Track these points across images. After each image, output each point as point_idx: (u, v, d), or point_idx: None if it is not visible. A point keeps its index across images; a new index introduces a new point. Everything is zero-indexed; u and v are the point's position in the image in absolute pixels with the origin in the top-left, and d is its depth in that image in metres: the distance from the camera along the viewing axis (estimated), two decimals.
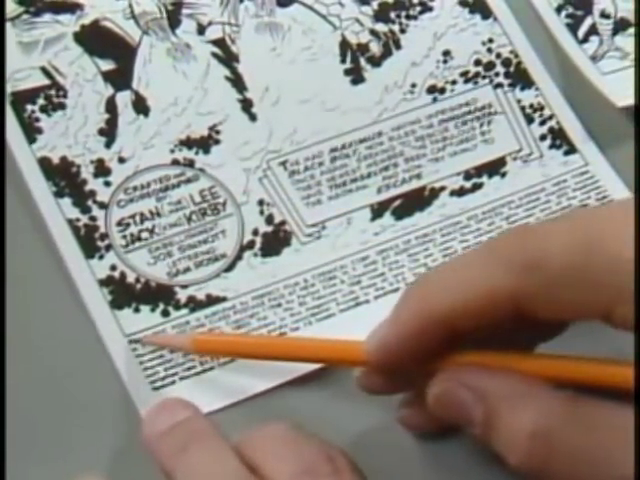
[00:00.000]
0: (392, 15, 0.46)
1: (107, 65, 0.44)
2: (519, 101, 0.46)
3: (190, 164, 0.43)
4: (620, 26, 0.48)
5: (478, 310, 0.32)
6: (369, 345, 0.35)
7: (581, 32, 0.48)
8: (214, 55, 0.44)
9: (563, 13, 0.48)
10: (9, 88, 0.42)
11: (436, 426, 0.38)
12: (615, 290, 0.30)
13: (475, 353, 0.34)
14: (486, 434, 0.32)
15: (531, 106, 0.46)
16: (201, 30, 0.45)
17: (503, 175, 0.44)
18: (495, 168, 0.44)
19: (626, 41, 0.48)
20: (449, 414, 0.33)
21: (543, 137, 0.45)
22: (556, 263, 0.30)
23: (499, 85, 0.46)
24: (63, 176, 0.42)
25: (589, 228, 0.31)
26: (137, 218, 0.42)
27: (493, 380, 0.32)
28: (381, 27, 0.46)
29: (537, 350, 0.36)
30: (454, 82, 0.45)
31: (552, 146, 0.45)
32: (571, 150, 0.45)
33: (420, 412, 0.37)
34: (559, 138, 0.45)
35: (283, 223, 0.42)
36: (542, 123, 0.45)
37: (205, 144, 0.43)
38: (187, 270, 0.41)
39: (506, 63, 0.46)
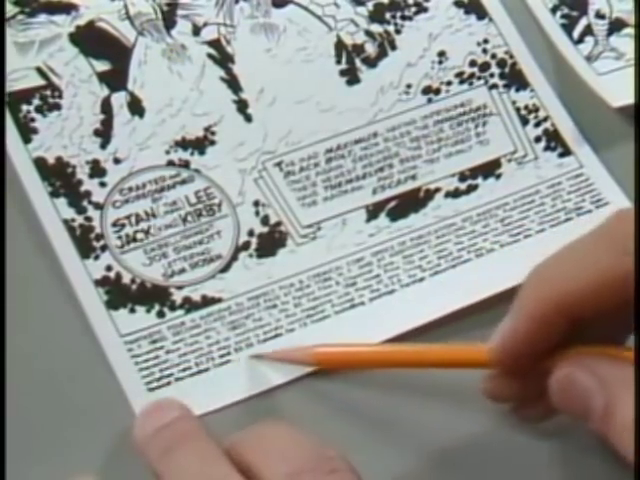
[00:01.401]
0: (387, 16, 0.46)
1: (102, 66, 0.43)
2: (514, 102, 0.46)
3: (185, 165, 0.43)
4: (615, 26, 0.48)
5: (595, 295, 0.33)
6: (492, 344, 0.35)
7: (576, 32, 0.48)
8: (209, 56, 0.44)
9: (558, 14, 0.48)
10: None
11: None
12: None
13: (591, 348, 0.34)
14: (604, 426, 0.32)
15: (526, 107, 0.46)
16: (196, 31, 0.45)
17: (498, 177, 0.44)
18: (490, 170, 0.44)
19: (621, 41, 0.48)
20: (570, 403, 0.33)
21: (538, 139, 0.45)
22: None
23: (494, 86, 0.46)
24: (59, 176, 0.42)
25: None
26: (132, 219, 0.42)
27: (615, 367, 0.32)
28: (376, 28, 0.46)
29: None
30: (449, 83, 0.45)
31: (547, 148, 0.45)
32: (566, 152, 0.45)
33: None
34: (554, 140, 0.45)
35: (278, 224, 0.42)
36: (537, 125, 0.45)
37: (200, 145, 0.43)
38: (182, 271, 0.41)
39: (501, 64, 0.46)
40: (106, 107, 0.43)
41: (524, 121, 0.45)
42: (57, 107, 0.43)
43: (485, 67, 0.46)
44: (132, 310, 0.40)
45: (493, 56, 0.46)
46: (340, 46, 0.45)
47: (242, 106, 0.44)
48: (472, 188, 0.44)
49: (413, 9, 0.46)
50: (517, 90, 0.46)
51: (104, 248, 0.41)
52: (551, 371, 0.34)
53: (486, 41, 0.46)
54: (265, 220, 0.42)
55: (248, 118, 0.44)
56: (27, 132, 0.42)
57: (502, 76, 0.46)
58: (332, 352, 0.39)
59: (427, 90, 0.45)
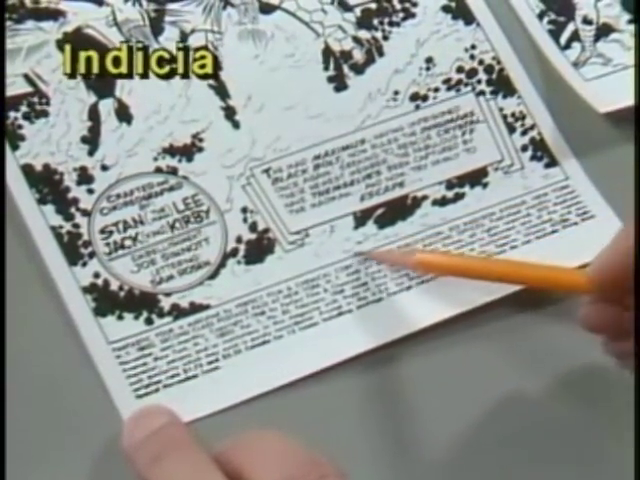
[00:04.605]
0: (375, 22, 0.46)
1: None
2: (501, 109, 0.46)
3: (173, 172, 0.43)
4: (602, 32, 0.48)
5: None
6: (591, 267, 0.36)
7: (563, 38, 0.48)
8: None
9: (545, 19, 0.48)
10: None
11: None
12: None
13: None
14: None
15: (513, 115, 0.45)
16: (184, 37, 0.44)
17: (485, 186, 0.44)
18: (477, 178, 0.44)
19: (608, 47, 0.48)
20: None
21: (524, 148, 0.45)
22: None
23: (481, 93, 0.46)
24: (46, 183, 0.42)
25: None
26: (120, 226, 0.42)
27: None
28: (364, 34, 0.46)
29: None
30: (437, 89, 0.45)
31: (533, 157, 0.45)
32: (552, 163, 0.45)
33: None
34: (540, 150, 0.45)
35: (266, 230, 0.43)
36: (523, 133, 0.45)
37: (188, 152, 0.43)
38: (170, 278, 0.41)
39: (488, 70, 0.46)
40: (93, 114, 0.43)
41: (511, 129, 0.45)
42: (44, 114, 0.42)
43: (472, 73, 0.46)
44: (120, 317, 0.40)
45: (480, 62, 0.46)
46: (328, 52, 0.45)
47: (230, 113, 0.44)
48: (459, 196, 0.44)
49: (401, 15, 0.46)
50: (504, 97, 0.46)
51: (92, 255, 0.41)
52: None
53: (474, 47, 0.46)
54: (253, 227, 0.42)
55: (236, 125, 0.44)
56: (14, 139, 0.42)
57: (489, 82, 0.46)
58: (433, 258, 0.41)
59: (414, 97, 0.45)
